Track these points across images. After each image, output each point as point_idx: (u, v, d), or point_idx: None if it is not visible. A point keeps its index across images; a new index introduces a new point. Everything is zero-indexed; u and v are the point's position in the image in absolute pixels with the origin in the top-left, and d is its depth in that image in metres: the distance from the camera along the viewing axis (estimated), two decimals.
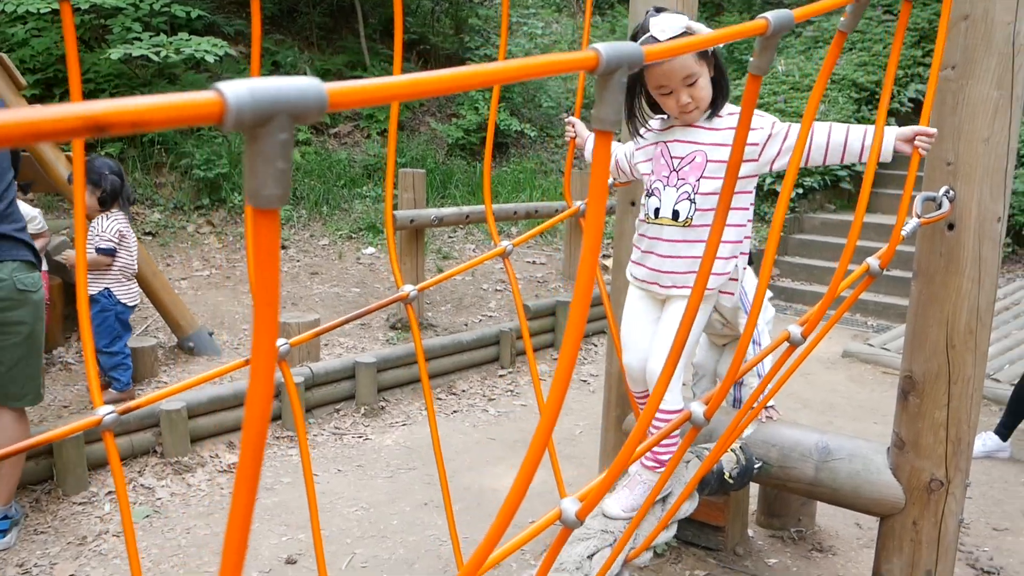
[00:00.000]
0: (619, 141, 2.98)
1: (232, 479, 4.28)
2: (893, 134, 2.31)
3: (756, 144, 2.41)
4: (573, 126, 2.92)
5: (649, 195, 2.54)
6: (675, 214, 2.46)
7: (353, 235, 8.73)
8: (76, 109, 0.54)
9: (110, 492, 4.02)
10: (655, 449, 2.58)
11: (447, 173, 10.21)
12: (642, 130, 2.59)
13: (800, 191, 9.68)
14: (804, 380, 6.06)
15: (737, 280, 2.58)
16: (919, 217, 2.60)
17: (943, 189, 2.72)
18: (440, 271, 8.28)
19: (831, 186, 9.94)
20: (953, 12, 2.71)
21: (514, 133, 11.36)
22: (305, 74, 10.46)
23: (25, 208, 4.89)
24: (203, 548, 3.63)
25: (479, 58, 11.79)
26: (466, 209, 7.05)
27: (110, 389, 4.95)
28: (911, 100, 10.78)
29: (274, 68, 10.31)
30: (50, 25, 8.65)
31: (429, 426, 2.35)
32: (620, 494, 2.61)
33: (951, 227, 2.75)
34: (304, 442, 2.12)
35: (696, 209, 2.43)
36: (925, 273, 2.83)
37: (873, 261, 2.23)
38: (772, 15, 1.19)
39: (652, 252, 2.52)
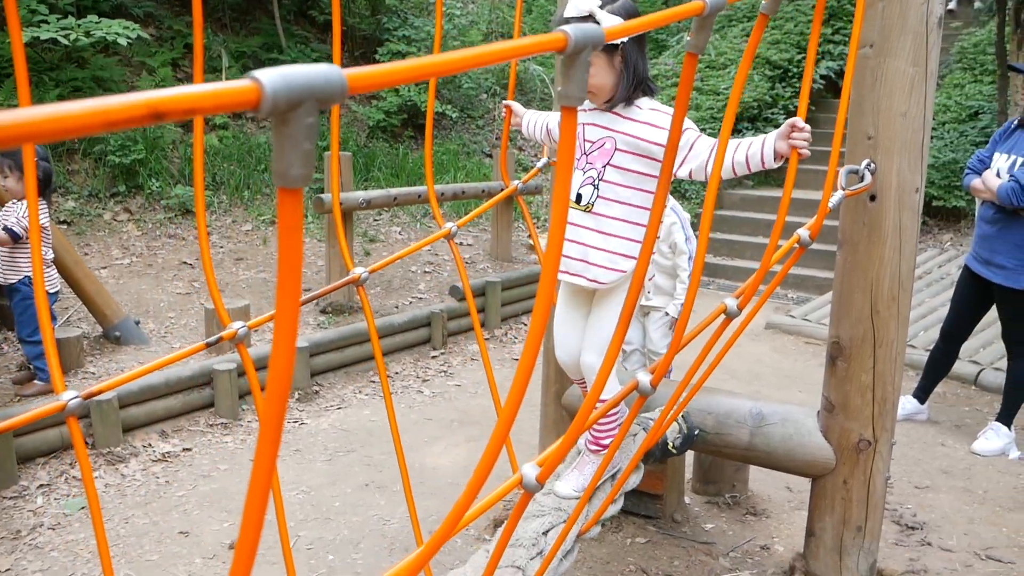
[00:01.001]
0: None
1: (167, 468, 4.22)
2: (772, 138, 2.26)
3: (662, 145, 2.36)
4: (509, 108, 2.95)
5: None
6: (578, 197, 2.46)
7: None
8: (141, 98, 0.57)
9: (41, 485, 3.93)
10: (596, 434, 2.65)
11: (369, 156, 10.14)
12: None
13: None
14: (730, 351, 6.21)
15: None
16: (843, 189, 2.71)
17: (865, 162, 2.84)
18: (367, 254, 8.24)
19: None
20: None
21: (435, 115, 11.33)
22: (221, 57, 10.25)
23: None
24: (143, 537, 3.58)
25: (397, 39, 11.69)
26: (393, 191, 7.03)
27: (35, 381, 4.83)
28: (822, 77, 11.07)
29: (187, 51, 10.07)
30: None
31: (385, 403, 2.37)
32: (570, 475, 2.66)
33: (873, 198, 2.88)
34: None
35: (598, 196, 2.43)
36: (849, 242, 2.95)
37: (803, 232, 2.33)
38: None
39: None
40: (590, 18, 2.24)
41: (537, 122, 2.89)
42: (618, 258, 2.44)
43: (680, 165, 2.39)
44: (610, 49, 2.35)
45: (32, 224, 1.72)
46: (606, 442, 2.64)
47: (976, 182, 4.47)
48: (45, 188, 4.71)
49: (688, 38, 1.33)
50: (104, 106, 0.55)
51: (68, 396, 1.60)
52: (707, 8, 1.25)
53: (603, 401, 2.57)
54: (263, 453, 0.74)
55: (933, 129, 9.42)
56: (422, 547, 1.23)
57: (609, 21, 2.25)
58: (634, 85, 2.41)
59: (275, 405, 0.72)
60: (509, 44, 0.91)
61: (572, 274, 2.50)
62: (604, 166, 2.43)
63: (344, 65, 1.05)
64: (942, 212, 9.08)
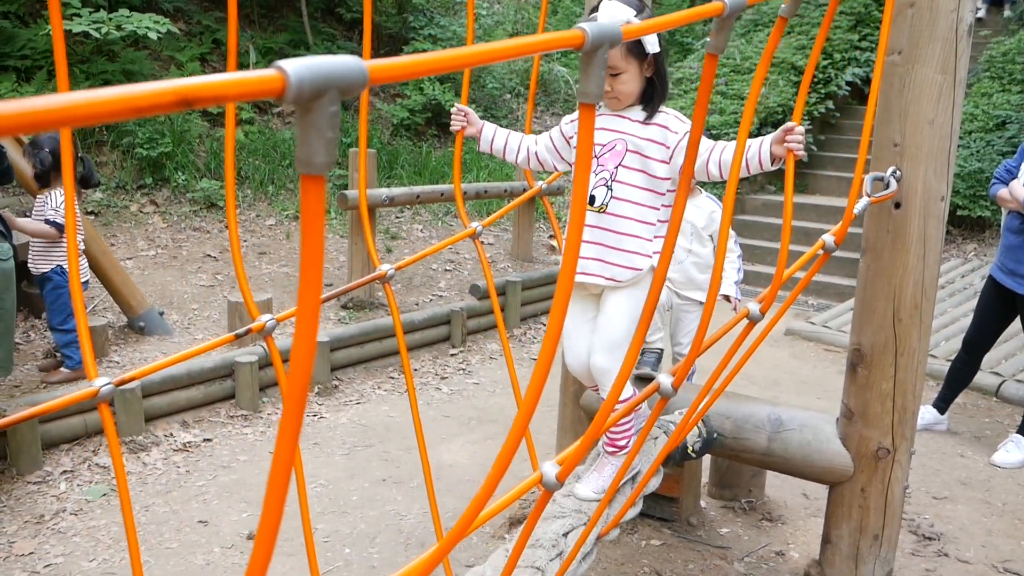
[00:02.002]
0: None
1: (187, 458, 4.26)
2: (768, 141, 2.30)
3: (668, 147, 2.44)
4: (466, 115, 2.74)
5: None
6: (591, 199, 2.47)
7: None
8: (170, 86, 0.59)
9: (65, 471, 3.99)
10: (613, 435, 2.64)
11: (393, 153, 10.18)
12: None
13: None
14: (749, 357, 6.20)
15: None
16: (868, 196, 2.70)
17: (890, 169, 2.84)
18: (389, 251, 8.28)
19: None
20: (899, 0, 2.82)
21: None
22: (248, 53, 10.32)
23: None
24: (163, 525, 3.63)
25: (423, 38, 11.74)
26: (416, 189, 7.07)
27: (62, 368, 4.89)
28: (848, 83, 11.01)
29: (215, 46, 10.15)
30: None
31: (409, 399, 2.39)
32: (590, 477, 2.65)
33: (898, 206, 2.87)
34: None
35: (612, 196, 2.45)
36: (873, 249, 2.95)
37: (828, 238, 2.33)
38: None
39: None
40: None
41: (516, 147, 2.80)
42: (635, 256, 2.46)
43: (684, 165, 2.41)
44: (641, 56, 2.38)
45: (68, 214, 1.75)
46: (622, 443, 2.64)
47: (1003, 192, 4.45)
48: (46, 178, 4.75)
49: (709, 39, 1.34)
50: (134, 93, 0.57)
51: (101, 383, 1.62)
52: (727, 9, 1.26)
53: (624, 402, 2.57)
54: (286, 428, 0.76)
55: (959, 138, 9.34)
56: (440, 542, 1.24)
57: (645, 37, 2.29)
58: (662, 93, 2.46)
59: (298, 385, 0.75)
60: (529, 39, 0.93)
61: (590, 274, 2.50)
62: (616, 167, 2.45)
63: None
64: (966, 222, 9.00)
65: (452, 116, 2.76)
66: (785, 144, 2.21)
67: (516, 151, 2.79)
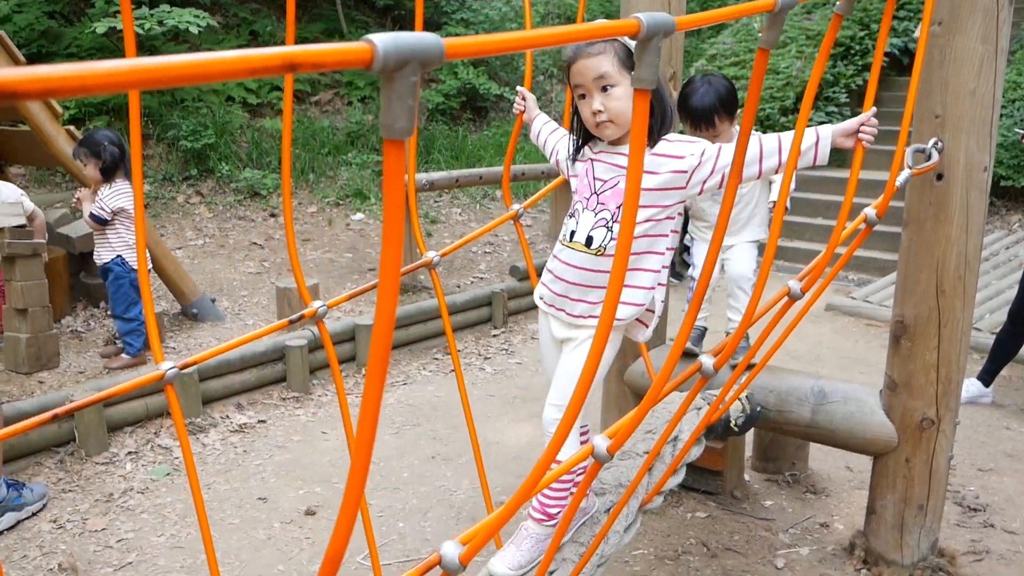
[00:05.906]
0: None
1: (244, 438, 4.40)
2: (830, 132, 2.12)
3: (684, 172, 2.17)
4: (524, 99, 2.71)
5: (570, 215, 2.32)
6: (588, 240, 2.22)
7: (340, 202, 8.79)
8: (277, 51, 0.68)
9: (130, 452, 4.15)
10: (544, 501, 2.33)
11: (429, 139, 10.27)
12: (582, 145, 2.37)
13: None
14: (791, 333, 6.21)
15: (654, 312, 2.34)
16: (910, 168, 2.73)
17: (932, 140, 2.86)
18: (429, 235, 8.38)
19: None
20: None
21: (493, 97, 11.40)
22: (283, 43, 10.45)
23: (7, 190, 4.93)
24: (224, 502, 3.76)
25: (455, 22, 11.79)
26: (455, 173, 7.16)
27: (123, 355, 5.05)
28: (886, 54, 10.89)
29: (252, 37, 10.28)
30: (32, 0, 8.60)
31: (456, 380, 2.47)
32: (507, 550, 2.34)
33: (940, 177, 2.89)
34: (342, 394, 2.24)
35: (612, 238, 2.18)
36: (915, 221, 2.97)
37: (870, 211, 2.36)
38: None
39: (562, 278, 2.28)
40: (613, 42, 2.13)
41: (547, 140, 2.63)
42: (643, 292, 2.25)
43: (709, 177, 2.17)
44: (629, 73, 2.13)
45: (137, 202, 1.85)
46: (553, 511, 2.33)
47: None
48: (116, 170, 4.88)
49: (761, 35, 1.39)
50: (246, 56, 0.65)
51: (166, 366, 1.72)
52: (778, 5, 1.31)
53: (558, 485, 2.38)
54: (370, 394, 0.84)
55: (1002, 107, 9.22)
56: (499, 510, 1.31)
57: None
58: (662, 124, 2.22)
59: (380, 347, 0.82)
60: (589, 26, 1.01)
61: (585, 317, 2.26)
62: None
63: None
64: (1011, 192, 8.88)
65: (516, 100, 2.73)
66: (860, 135, 2.09)
67: (548, 153, 2.63)
